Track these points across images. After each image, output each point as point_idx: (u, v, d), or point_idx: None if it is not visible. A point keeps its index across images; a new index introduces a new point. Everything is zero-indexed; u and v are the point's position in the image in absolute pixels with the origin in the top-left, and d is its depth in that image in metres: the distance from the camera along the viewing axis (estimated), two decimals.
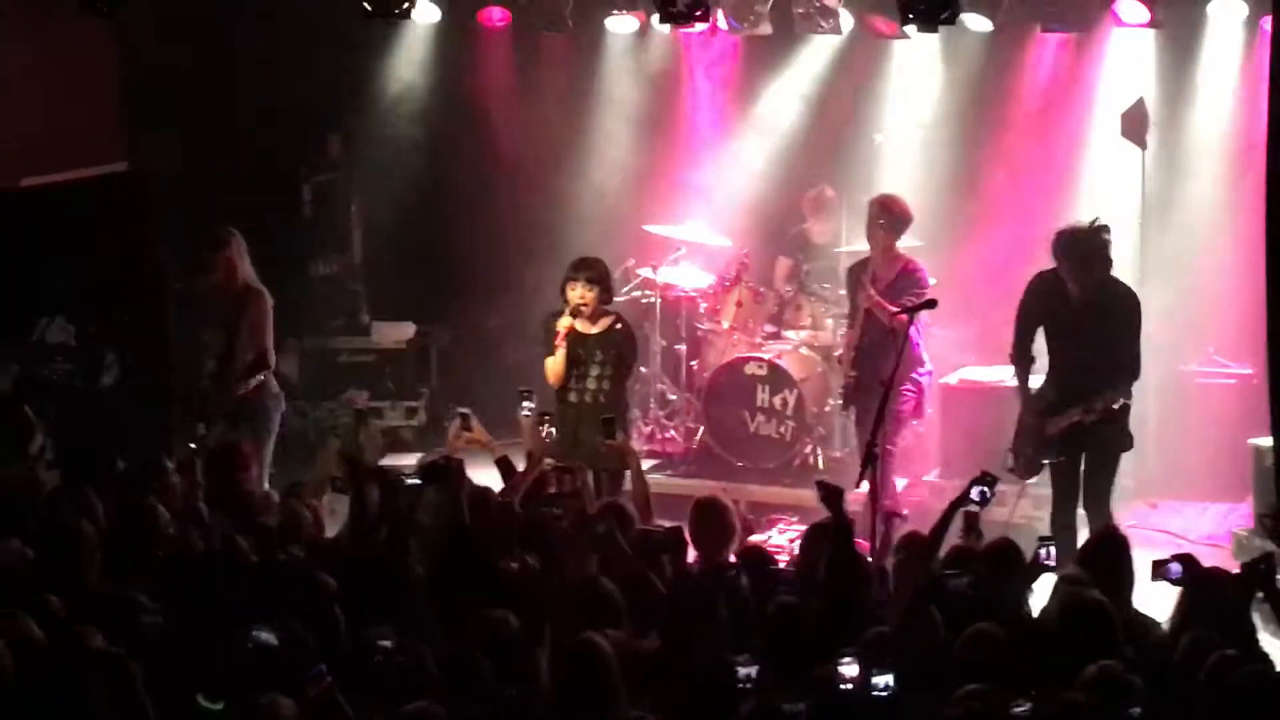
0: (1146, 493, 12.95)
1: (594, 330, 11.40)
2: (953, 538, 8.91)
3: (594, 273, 11.35)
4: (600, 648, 7.28)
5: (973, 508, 9.01)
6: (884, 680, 7.01)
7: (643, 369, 14.01)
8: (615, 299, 13.77)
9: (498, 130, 15.30)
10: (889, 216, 12.13)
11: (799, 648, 7.65)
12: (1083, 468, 10.86)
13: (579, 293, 11.28)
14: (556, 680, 7.36)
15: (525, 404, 10.67)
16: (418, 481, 9.46)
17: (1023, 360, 11.08)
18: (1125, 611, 8.16)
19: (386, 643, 7.38)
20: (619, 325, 11.47)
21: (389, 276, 15.33)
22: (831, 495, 8.63)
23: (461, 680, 7.33)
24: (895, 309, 11.49)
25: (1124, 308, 10.78)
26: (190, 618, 7.92)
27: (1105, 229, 10.78)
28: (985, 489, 8.98)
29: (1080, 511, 10.90)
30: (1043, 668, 7.41)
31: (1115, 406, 10.59)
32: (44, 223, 12.48)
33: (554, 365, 11.36)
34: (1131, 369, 10.75)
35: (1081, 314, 10.71)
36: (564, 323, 11.30)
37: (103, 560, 8.55)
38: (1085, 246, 10.67)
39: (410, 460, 13.73)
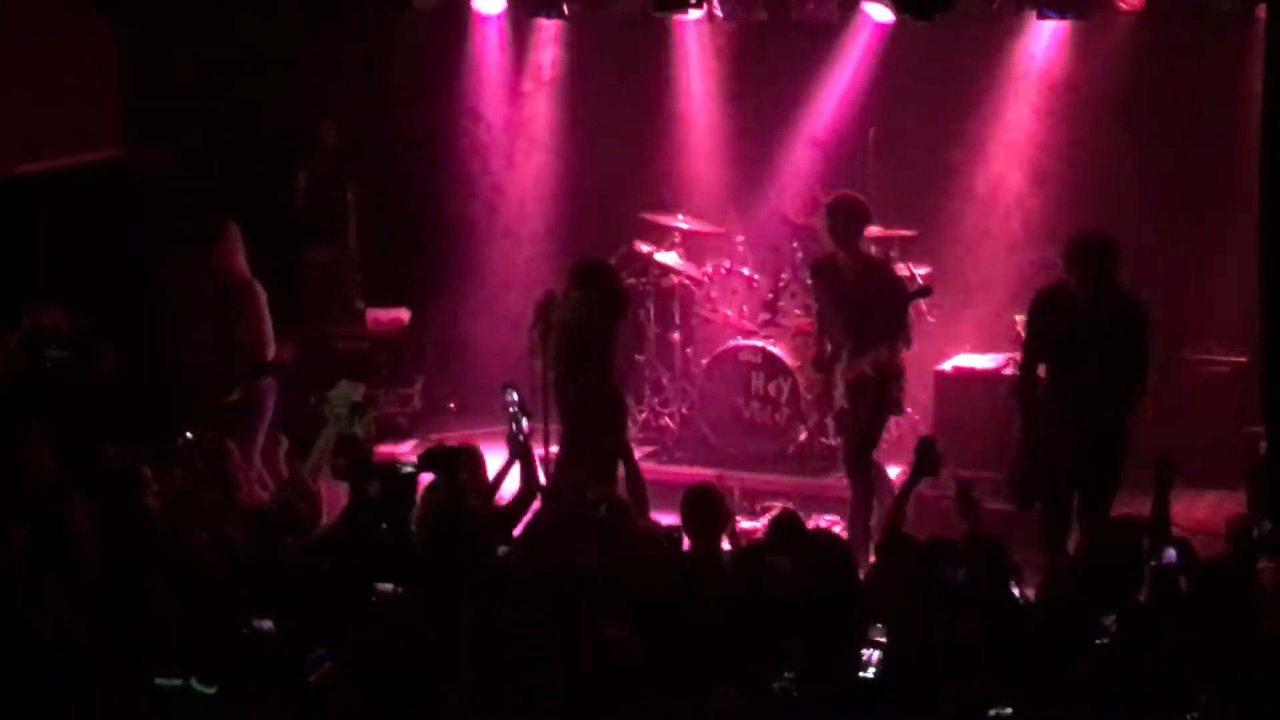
0: (1141, 482, 12.92)
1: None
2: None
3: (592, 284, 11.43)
4: (622, 641, 7.31)
5: (927, 468, 9.19)
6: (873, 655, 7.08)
7: (638, 356, 14.03)
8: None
9: (492, 116, 15.28)
10: (846, 216, 11.90)
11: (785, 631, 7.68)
12: (1076, 501, 10.62)
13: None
14: (574, 672, 7.34)
15: (511, 395, 10.64)
16: (413, 469, 9.48)
17: (1031, 387, 10.75)
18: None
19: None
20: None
21: (384, 263, 15.31)
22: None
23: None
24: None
25: (1134, 321, 10.51)
26: (187, 606, 7.94)
27: (1115, 239, 10.63)
28: (929, 448, 9.18)
29: None
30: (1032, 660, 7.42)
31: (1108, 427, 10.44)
32: (39, 209, 12.47)
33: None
34: (1145, 385, 10.55)
35: (1090, 329, 10.42)
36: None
37: (98, 549, 8.56)
38: (1100, 252, 10.48)
39: (405, 447, 13.80)
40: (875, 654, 7.21)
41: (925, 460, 9.31)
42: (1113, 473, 10.59)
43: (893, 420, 12.23)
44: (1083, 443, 10.41)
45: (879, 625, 7.63)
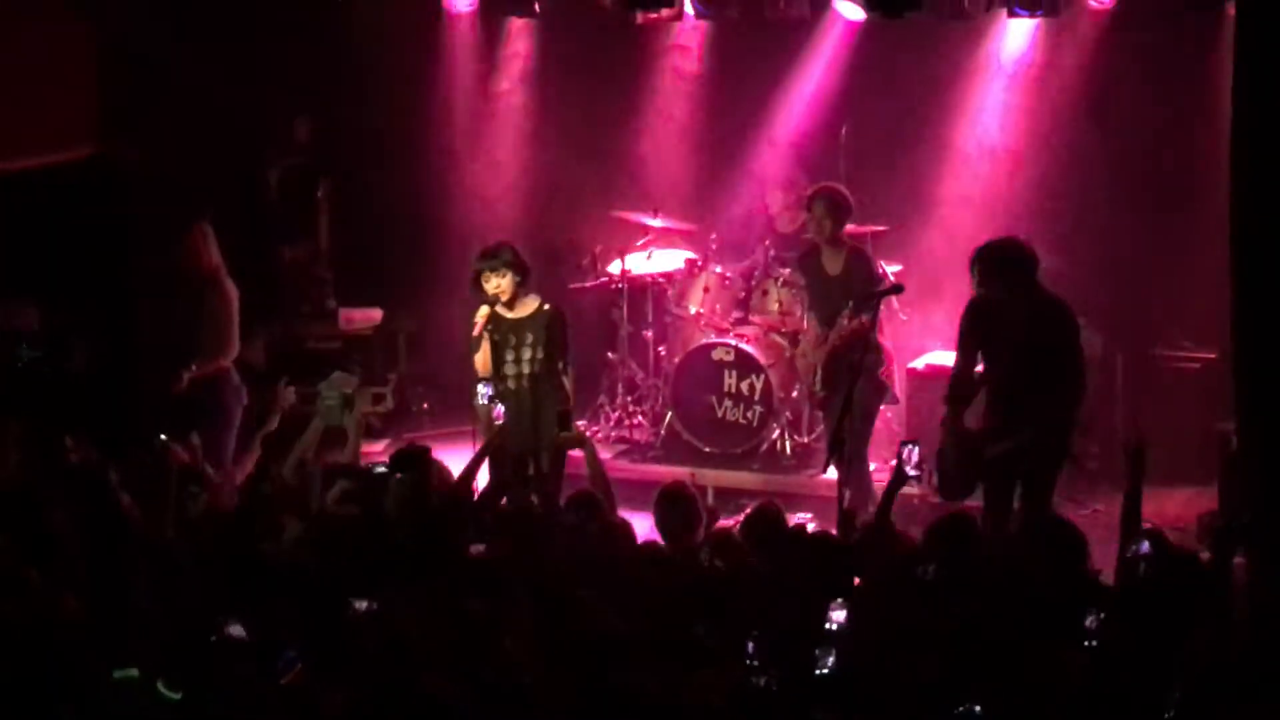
0: (1114, 476, 12.97)
1: (518, 314, 11.28)
2: None
3: (503, 260, 11.21)
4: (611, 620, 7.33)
5: (911, 472, 9.15)
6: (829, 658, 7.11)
7: (610, 354, 14.05)
8: (583, 284, 13.91)
9: (465, 114, 15.28)
10: (830, 206, 12.07)
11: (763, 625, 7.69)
12: (1018, 489, 10.59)
13: (494, 284, 11.17)
14: (552, 658, 7.35)
15: (481, 388, 10.69)
16: (384, 470, 9.48)
17: (962, 391, 10.73)
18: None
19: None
20: (546, 306, 11.34)
21: (356, 261, 15.30)
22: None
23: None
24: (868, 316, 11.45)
25: (1063, 324, 10.47)
26: (157, 608, 7.92)
27: (1024, 242, 10.59)
28: (912, 448, 9.13)
29: None
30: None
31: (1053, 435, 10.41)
32: (13, 208, 12.44)
33: (479, 358, 11.26)
34: (1075, 386, 10.52)
35: (1019, 334, 10.40)
36: (481, 313, 11.20)
37: (76, 549, 8.56)
38: (1006, 261, 10.41)
39: (379, 447, 13.78)
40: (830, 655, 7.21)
41: (903, 464, 9.28)
42: (1049, 470, 10.60)
43: (870, 420, 12.29)
44: (1020, 443, 10.40)
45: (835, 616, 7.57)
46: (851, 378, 10.70)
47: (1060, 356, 10.42)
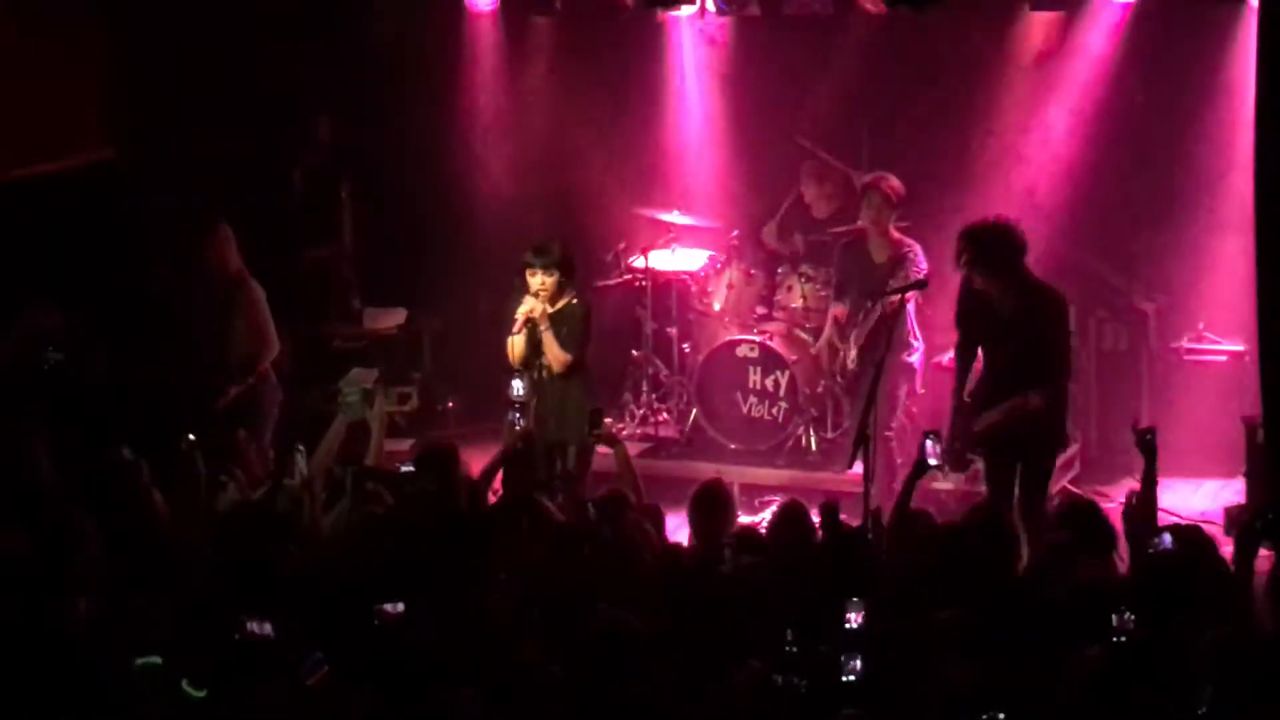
0: (1131, 469, 12.96)
1: (551, 309, 11.43)
2: None
3: (550, 258, 11.36)
4: (626, 623, 7.32)
5: (932, 462, 9.29)
6: (855, 663, 7.10)
7: (634, 352, 14.04)
8: (607, 282, 13.90)
9: (487, 113, 15.27)
10: (883, 196, 12.35)
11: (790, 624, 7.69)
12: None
13: (539, 279, 11.34)
14: (577, 660, 7.34)
15: (515, 382, 10.75)
16: (411, 469, 9.49)
17: (962, 359, 10.96)
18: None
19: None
20: (574, 301, 11.49)
21: (380, 262, 15.30)
22: None
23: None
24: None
25: (1049, 309, 10.58)
26: (184, 607, 7.93)
27: (1012, 225, 10.61)
28: (934, 440, 9.29)
29: None
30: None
31: (1029, 407, 10.46)
32: (33, 214, 12.46)
33: (514, 346, 11.45)
34: (1059, 369, 10.63)
35: (1008, 319, 10.52)
36: (524, 308, 11.36)
37: (101, 554, 8.57)
38: (1000, 239, 10.48)
39: (403, 446, 13.78)
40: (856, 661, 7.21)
41: (925, 454, 9.32)
42: (1042, 453, 10.68)
43: (897, 412, 12.32)
44: (1000, 417, 10.52)
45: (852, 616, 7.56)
46: (875, 375, 10.69)
47: (1045, 341, 10.51)
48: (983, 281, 10.51)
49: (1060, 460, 11.51)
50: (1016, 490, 10.59)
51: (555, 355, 11.36)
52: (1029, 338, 10.44)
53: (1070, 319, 10.88)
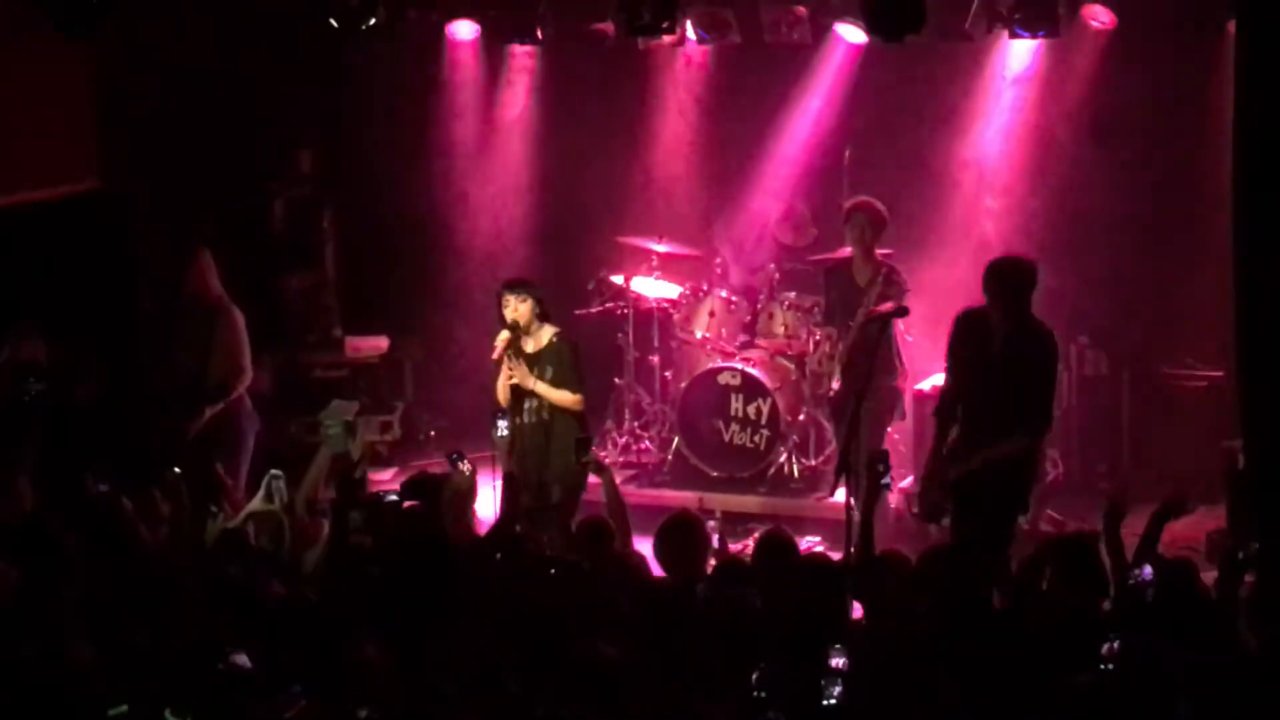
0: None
1: (533, 348, 11.48)
2: None
3: (525, 288, 11.46)
4: (604, 654, 7.33)
5: (884, 482, 9.17)
6: (835, 689, 7.10)
7: (616, 380, 14.06)
8: (589, 310, 13.93)
9: (468, 142, 15.30)
10: (867, 220, 12.36)
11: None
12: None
13: (513, 307, 11.39)
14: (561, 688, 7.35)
15: (500, 422, 10.78)
16: (397, 498, 9.50)
17: (949, 406, 10.59)
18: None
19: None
20: (555, 339, 11.51)
21: (362, 290, 15.32)
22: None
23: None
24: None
25: (1042, 354, 10.34)
26: (166, 637, 7.94)
27: (1026, 263, 10.49)
28: (880, 466, 9.15)
29: None
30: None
31: (1007, 453, 10.26)
32: (17, 242, 12.47)
33: (500, 385, 11.50)
34: (1039, 418, 10.39)
35: (1002, 356, 10.27)
36: (501, 337, 11.39)
37: (84, 579, 8.58)
38: (1021, 277, 10.33)
39: (387, 475, 13.80)
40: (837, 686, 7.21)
41: (875, 477, 9.24)
42: (1012, 498, 10.47)
43: (879, 435, 12.32)
44: (974, 468, 10.29)
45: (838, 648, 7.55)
46: (858, 400, 10.70)
47: (1031, 383, 10.29)
48: (996, 315, 10.40)
49: (1040, 487, 11.48)
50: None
51: (562, 399, 11.35)
52: (1016, 378, 10.31)
53: (1058, 362, 10.74)
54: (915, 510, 10.94)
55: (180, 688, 7.27)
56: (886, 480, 9.19)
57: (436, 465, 12.81)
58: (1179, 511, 9.06)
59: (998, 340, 10.28)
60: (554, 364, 11.39)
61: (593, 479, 11.09)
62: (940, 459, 10.48)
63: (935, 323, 13.40)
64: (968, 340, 10.49)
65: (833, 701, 7.09)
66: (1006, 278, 10.26)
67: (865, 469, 9.37)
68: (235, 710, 7.16)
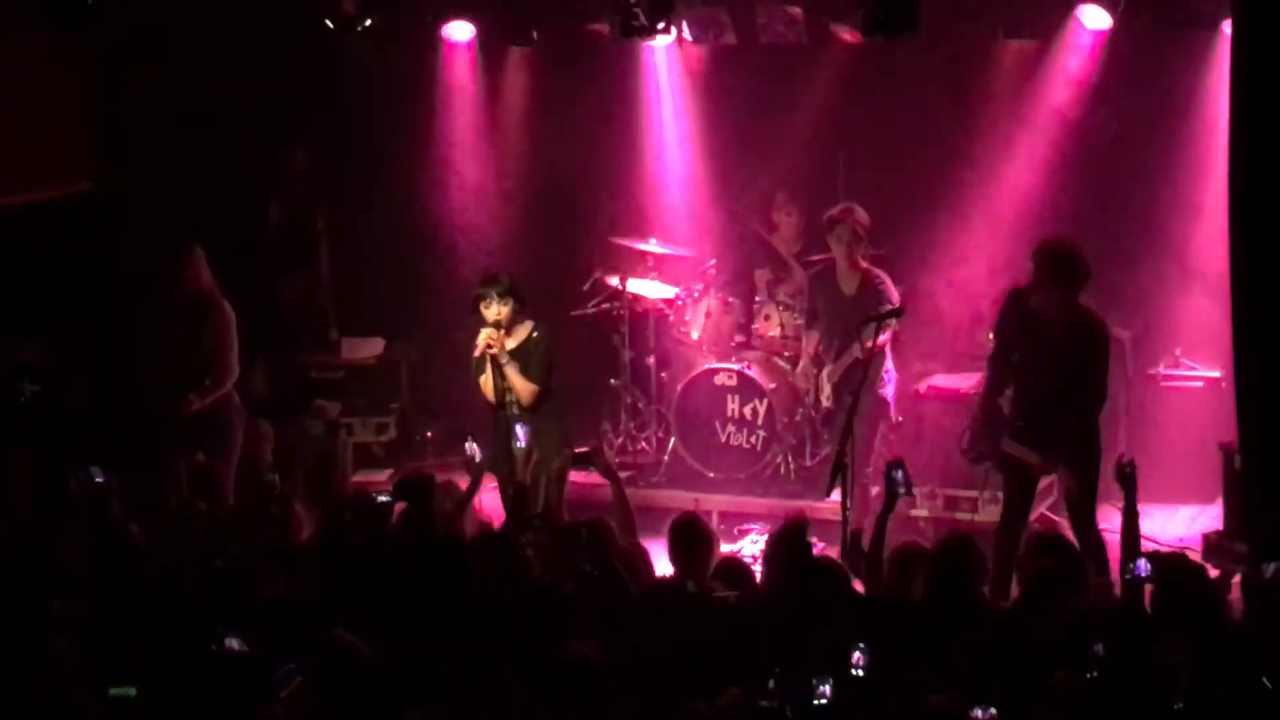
0: (1115, 496, 12.96)
1: (512, 345, 11.55)
2: None
3: (501, 286, 11.49)
4: (590, 657, 7.32)
5: (900, 491, 9.22)
6: (825, 688, 7.09)
7: (612, 381, 14.04)
8: (584, 311, 13.92)
9: (464, 143, 15.28)
10: (851, 229, 12.35)
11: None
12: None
13: (494, 310, 11.45)
14: (544, 690, 7.34)
15: (469, 445, 10.68)
16: (388, 499, 9.48)
17: (997, 368, 10.94)
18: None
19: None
20: (534, 334, 11.59)
21: (357, 292, 15.30)
22: None
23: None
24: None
25: (1094, 337, 10.61)
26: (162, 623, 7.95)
27: (1079, 250, 10.68)
28: (899, 472, 9.21)
29: None
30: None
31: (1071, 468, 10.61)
32: (10, 244, 12.46)
33: (485, 384, 11.60)
34: (1095, 403, 10.67)
35: (1053, 340, 10.53)
36: (483, 335, 11.45)
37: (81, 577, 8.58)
38: (1069, 261, 10.55)
39: (382, 476, 13.77)
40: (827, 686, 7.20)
41: (894, 485, 9.28)
42: (1085, 472, 10.73)
43: (873, 440, 12.32)
44: (1033, 461, 10.63)
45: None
46: (852, 403, 10.71)
47: (1087, 372, 10.54)
48: (1041, 300, 10.50)
49: (1040, 485, 11.51)
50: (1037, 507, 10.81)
51: (522, 388, 11.44)
52: (1070, 366, 10.46)
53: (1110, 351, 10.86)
54: (964, 448, 11.06)
55: (174, 673, 7.30)
56: (903, 490, 9.22)
57: (432, 467, 12.80)
58: (1131, 471, 9.17)
59: (1047, 320, 10.48)
60: (525, 356, 11.51)
61: (594, 479, 11.04)
62: (994, 419, 10.77)
63: (929, 323, 13.48)
64: (1017, 320, 10.73)
65: (825, 700, 7.08)
66: (1052, 260, 10.51)
67: (883, 476, 9.45)
68: (228, 694, 7.17)
